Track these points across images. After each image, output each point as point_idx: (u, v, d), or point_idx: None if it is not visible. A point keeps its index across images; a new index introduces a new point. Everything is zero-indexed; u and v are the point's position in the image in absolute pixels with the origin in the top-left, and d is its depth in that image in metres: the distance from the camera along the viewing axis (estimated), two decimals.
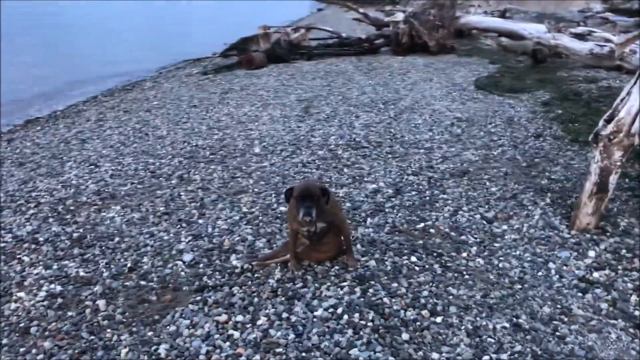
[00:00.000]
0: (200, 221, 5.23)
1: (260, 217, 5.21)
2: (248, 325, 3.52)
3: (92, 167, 7.22)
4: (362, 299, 3.69)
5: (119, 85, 14.99)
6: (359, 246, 4.48)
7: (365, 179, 6.10)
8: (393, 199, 5.50)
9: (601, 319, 3.63)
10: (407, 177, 6.11)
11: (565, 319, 3.59)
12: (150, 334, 3.52)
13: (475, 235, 4.70)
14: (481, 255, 4.38)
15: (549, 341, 3.40)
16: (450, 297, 3.79)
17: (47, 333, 3.60)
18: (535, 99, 10.09)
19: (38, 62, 18.37)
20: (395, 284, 3.90)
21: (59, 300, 3.98)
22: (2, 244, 4.98)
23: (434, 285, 3.93)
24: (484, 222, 4.95)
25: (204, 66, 17.46)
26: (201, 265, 4.37)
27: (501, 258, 4.34)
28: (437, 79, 12.55)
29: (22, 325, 3.70)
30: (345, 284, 3.90)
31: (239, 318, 3.59)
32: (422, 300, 3.71)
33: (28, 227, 5.31)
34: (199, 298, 3.87)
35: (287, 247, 4.23)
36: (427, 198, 5.53)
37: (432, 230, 4.80)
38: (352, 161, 6.75)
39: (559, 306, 3.73)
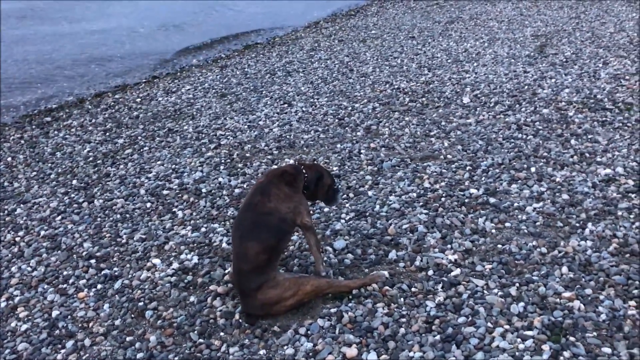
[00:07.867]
0: (370, 193, 4.35)
1: (443, 199, 4.13)
2: None
3: (285, 105, 6.74)
4: None
5: (343, 9, 14.40)
6: (564, 269, 3.19)
7: (598, 159, 4.55)
8: (633, 197, 3.95)
9: None
10: None
11: None
12: (262, 352, 2.84)
13: None
14: None
15: None
16: None
17: (159, 322, 3.14)
18: None
19: None
20: (607, 348, 2.60)
21: (188, 277, 3.51)
22: (166, 191, 4.73)
23: None
24: None
25: None
26: (351, 256, 3.53)
27: None
28: None
29: (140, 304, 3.30)
30: (530, 333, 2.72)
31: (371, 357, 2.70)
32: None
33: (197, 173, 5.00)
34: (334, 310, 3.05)
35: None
36: None
37: None
38: (585, 128, 5.15)
39: None
